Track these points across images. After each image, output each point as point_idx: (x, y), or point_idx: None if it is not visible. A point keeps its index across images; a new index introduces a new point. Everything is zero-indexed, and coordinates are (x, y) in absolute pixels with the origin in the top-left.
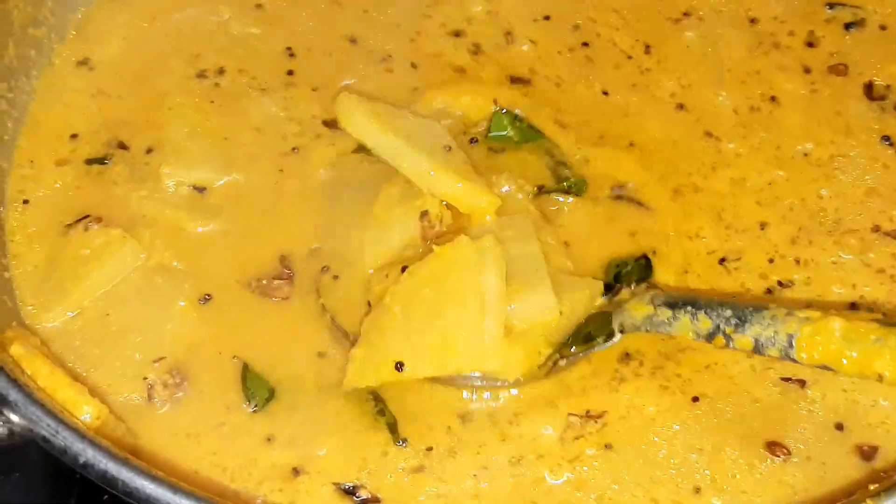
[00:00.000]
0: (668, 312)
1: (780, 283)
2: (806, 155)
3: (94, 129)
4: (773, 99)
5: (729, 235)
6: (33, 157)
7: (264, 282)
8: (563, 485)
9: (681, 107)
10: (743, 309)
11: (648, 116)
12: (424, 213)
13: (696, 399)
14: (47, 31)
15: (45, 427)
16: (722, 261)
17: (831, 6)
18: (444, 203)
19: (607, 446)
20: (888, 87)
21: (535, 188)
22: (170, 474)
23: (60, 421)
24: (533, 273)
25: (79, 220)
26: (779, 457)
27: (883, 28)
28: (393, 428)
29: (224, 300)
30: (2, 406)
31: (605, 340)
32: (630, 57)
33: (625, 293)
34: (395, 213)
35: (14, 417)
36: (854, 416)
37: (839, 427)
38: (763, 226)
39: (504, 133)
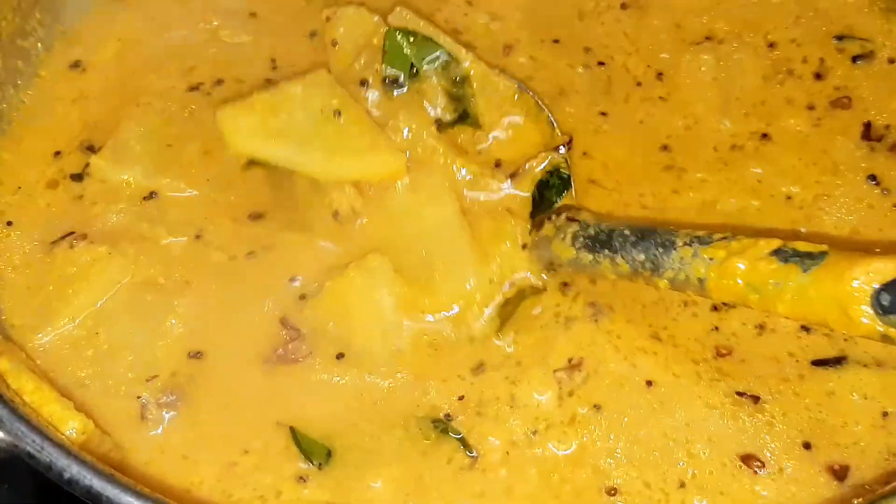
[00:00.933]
0: (589, 256)
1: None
2: (789, 198)
3: (72, 136)
4: (764, 136)
5: None
6: (17, 175)
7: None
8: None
9: (665, 148)
10: (654, 251)
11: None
12: (335, 213)
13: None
14: (35, 41)
15: (30, 443)
16: None
17: (840, 38)
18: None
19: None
20: (888, 126)
21: (434, 123)
22: (159, 492)
23: (45, 436)
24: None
25: (63, 238)
26: (753, 470)
27: (892, 62)
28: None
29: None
30: None
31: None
32: (639, 84)
33: (548, 227)
34: (311, 213)
35: None
36: (821, 436)
37: (807, 446)
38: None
39: (397, 49)
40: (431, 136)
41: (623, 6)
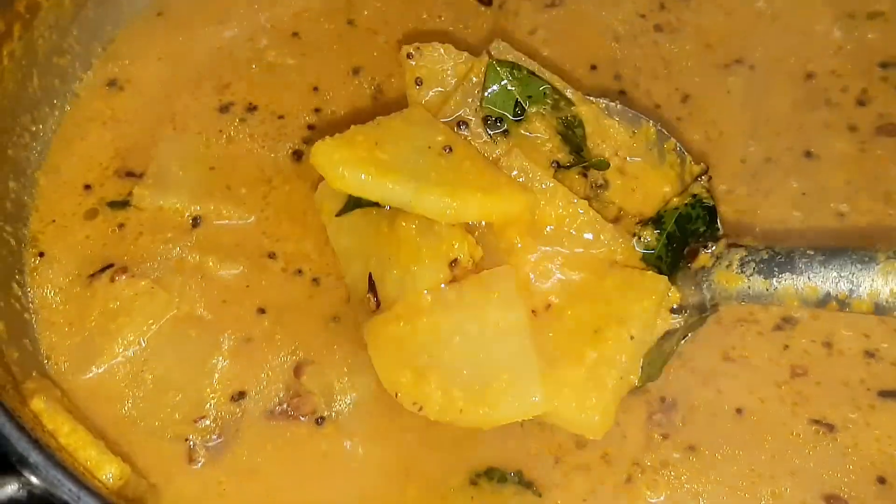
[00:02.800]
0: (764, 283)
1: None
2: (841, 215)
3: (108, 160)
4: (808, 154)
5: None
6: (53, 203)
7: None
8: None
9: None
10: (851, 269)
11: None
12: (455, 261)
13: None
14: (72, 59)
15: (67, 492)
16: None
17: (884, 66)
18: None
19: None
20: None
21: (552, 166)
22: None
23: (82, 485)
24: (515, 357)
25: (102, 270)
26: None
27: None
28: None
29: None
30: (22, 468)
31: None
32: (658, 106)
33: (704, 257)
34: (421, 256)
35: (34, 480)
36: (894, 472)
37: (881, 480)
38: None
39: (501, 85)
40: (548, 179)
41: (657, 28)
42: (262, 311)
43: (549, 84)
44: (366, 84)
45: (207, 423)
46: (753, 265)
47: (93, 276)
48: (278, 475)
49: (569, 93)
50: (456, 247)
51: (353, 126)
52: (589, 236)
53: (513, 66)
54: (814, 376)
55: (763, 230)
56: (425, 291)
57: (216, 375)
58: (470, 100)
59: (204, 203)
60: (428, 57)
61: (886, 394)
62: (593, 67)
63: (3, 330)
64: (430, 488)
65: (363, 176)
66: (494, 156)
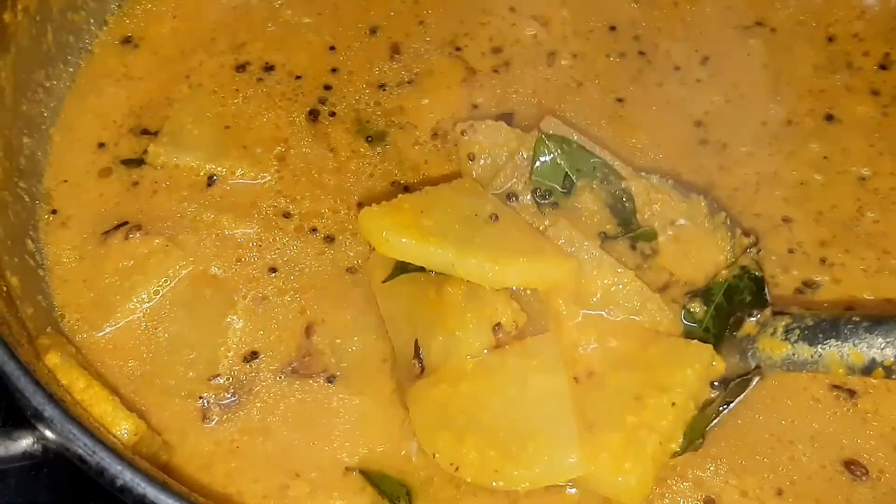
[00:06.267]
0: (810, 350)
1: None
2: (862, 179)
3: (122, 118)
4: (829, 117)
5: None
6: (66, 160)
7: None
8: None
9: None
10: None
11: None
12: (498, 325)
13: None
14: (86, 15)
15: (82, 446)
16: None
17: None
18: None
19: None
20: None
21: (600, 237)
22: (208, 497)
23: (97, 440)
24: (553, 420)
25: (117, 228)
26: (858, 477)
27: None
28: None
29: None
30: (37, 422)
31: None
32: (678, 68)
33: (749, 326)
34: (466, 320)
35: (49, 434)
36: None
37: None
38: (787, 220)
39: (550, 158)
40: (594, 248)
41: None
42: (273, 269)
43: (599, 158)
44: (383, 43)
45: (221, 381)
46: (798, 332)
47: (107, 233)
48: (290, 433)
49: (617, 165)
50: (499, 311)
51: (400, 195)
52: (635, 306)
53: (562, 141)
54: None
55: (784, 195)
56: (468, 356)
57: (230, 334)
58: (519, 173)
59: (219, 162)
60: (481, 133)
61: None
62: (612, 28)
63: (18, 285)
64: None
65: (405, 239)
66: (543, 226)
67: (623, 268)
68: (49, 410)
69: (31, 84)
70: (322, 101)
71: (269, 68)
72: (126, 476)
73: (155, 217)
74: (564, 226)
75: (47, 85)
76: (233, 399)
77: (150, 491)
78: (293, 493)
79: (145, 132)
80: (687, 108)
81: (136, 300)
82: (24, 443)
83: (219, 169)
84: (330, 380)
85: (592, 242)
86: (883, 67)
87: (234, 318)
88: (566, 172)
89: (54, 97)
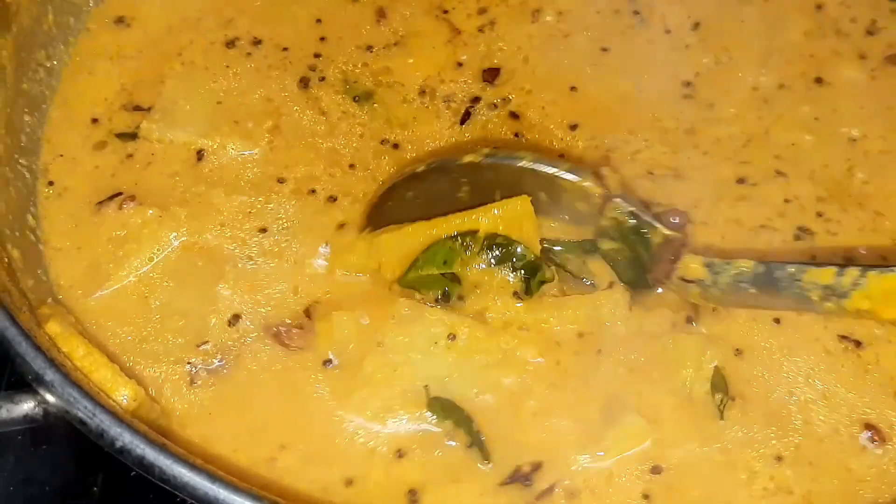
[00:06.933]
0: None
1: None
2: (853, 140)
3: (115, 94)
4: (818, 80)
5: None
6: (63, 134)
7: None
8: None
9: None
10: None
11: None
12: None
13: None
14: None
15: (83, 409)
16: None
17: None
18: None
19: None
20: None
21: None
22: (204, 457)
23: (98, 403)
24: None
25: (111, 198)
26: (875, 442)
27: None
28: None
29: None
30: (38, 386)
31: None
32: (668, 31)
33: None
34: None
35: (50, 398)
36: None
37: None
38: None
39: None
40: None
41: None
42: (263, 230)
43: None
44: (369, 8)
45: (208, 347)
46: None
47: (101, 203)
48: (275, 403)
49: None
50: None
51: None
52: None
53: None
54: None
55: (776, 152)
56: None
57: (220, 303)
58: None
59: (211, 137)
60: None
61: None
62: None
63: (19, 258)
64: None
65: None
66: None
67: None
68: (50, 374)
69: (32, 63)
70: (312, 69)
71: (257, 42)
72: (125, 438)
73: (149, 189)
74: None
75: (48, 65)
76: (221, 364)
77: (148, 452)
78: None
79: (138, 108)
80: (676, 69)
81: (128, 268)
82: (26, 406)
83: (210, 143)
84: (326, 364)
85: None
86: (870, 33)
87: (224, 286)
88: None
89: (55, 76)
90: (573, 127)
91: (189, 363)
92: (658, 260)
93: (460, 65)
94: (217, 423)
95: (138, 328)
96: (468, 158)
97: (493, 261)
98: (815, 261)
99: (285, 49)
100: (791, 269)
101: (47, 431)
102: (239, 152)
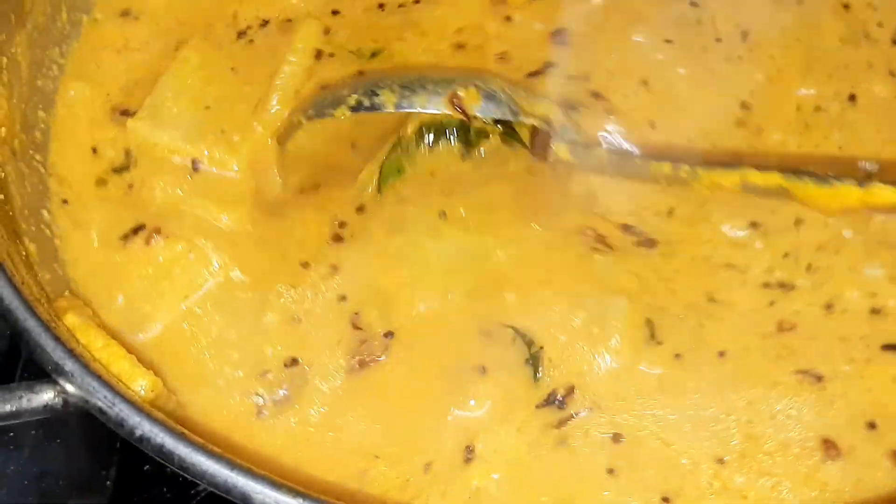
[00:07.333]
0: None
1: None
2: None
3: (115, 93)
4: (851, 98)
5: None
6: (67, 171)
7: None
8: None
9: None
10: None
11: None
12: None
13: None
14: None
15: (102, 398)
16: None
17: None
18: None
19: None
20: None
21: None
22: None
23: (117, 393)
24: None
25: (134, 232)
26: (824, 454)
27: None
28: None
29: None
30: (58, 376)
31: None
32: (719, 40)
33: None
34: None
35: (70, 388)
36: (885, 419)
37: (872, 426)
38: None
39: None
40: None
41: None
42: (306, 264)
43: None
44: None
45: (271, 376)
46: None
47: (125, 237)
48: (355, 419)
49: None
50: None
51: None
52: None
53: None
54: (804, 332)
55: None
56: None
57: (271, 330)
58: None
59: (197, 146)
60: None
61: (890, 346)
62: None
63: (35, 252)
64: None
65: None
66: None
67: None
68: (70, 364)
69: (46, 60)
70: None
71: (264, 24)
72: (145, 426)
73: (165, 215)
74: None
75: (61, 62)
76: (286, 394)
77: (168, 440)
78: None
79: (125, 113)
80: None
81: (166, 308)
82: (46, 396)
83: (198, 154)
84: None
85: None
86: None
87: (271, 313)
88: None
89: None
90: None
91: (257, 394)
92: (535, 146)
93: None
94: (304, 448)
95: (193, 367)
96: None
97: (430, 144)
98: None
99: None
100: (637, 160)
101: (61, 425)
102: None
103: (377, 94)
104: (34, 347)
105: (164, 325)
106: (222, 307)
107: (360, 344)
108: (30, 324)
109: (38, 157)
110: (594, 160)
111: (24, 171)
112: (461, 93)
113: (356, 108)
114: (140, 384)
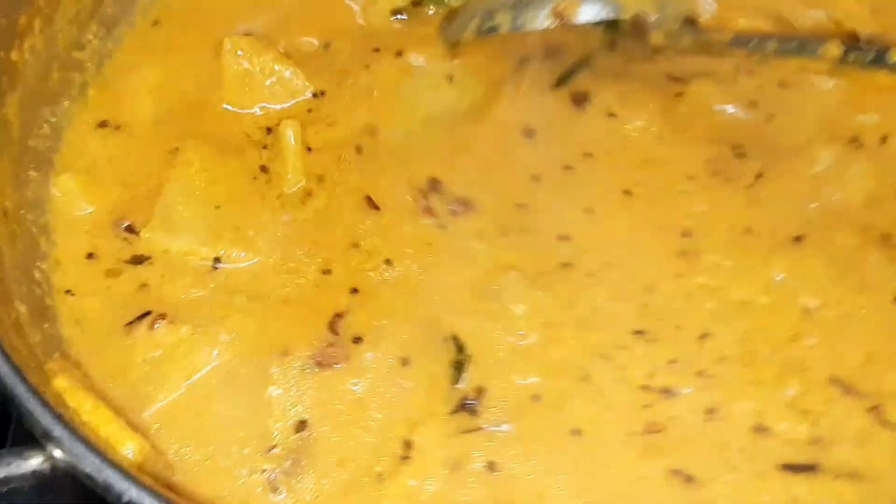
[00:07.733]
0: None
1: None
2: (807, 311)
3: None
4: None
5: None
6: (70, 268)
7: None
8: None
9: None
10: None
11: None
12: None
13: None
14: (90, 54)
15: (90, 464)
16: None
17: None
18: None
19: None
20: None
21: None
22: None
23: (104, 458)
24: None
25: (140, 318)
26: None
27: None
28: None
29: None
30: (46, 441)
31: None
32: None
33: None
34: None
35: (58, 453)
36: None
37: None
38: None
39: None
40: None
41: None
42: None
43: None
44: None
45: (278, 451)
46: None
47: (130, 324)
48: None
49: None
50: None
51: None
52: None
53: None
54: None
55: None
56: None
57: (275, 405)
58: None
59: (215, 246)
60: None
61: (789, 467)
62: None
63: (26, 313)
64: None
65: None
66: None
67: None
68: (58, 431)
69: (38, 120)
70: None
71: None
72: (132, 492)
73: (173, 304)
74: None
75: (52, 120)
76: (293, 463)
77: None
78: None
79: (129, 229)
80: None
81: (169, 389)
82: (34, 461)
83: (217, 253)
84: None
85: None
86: None
87: (275, 387)
88: None
89: (59, 132)
90: None
91: (264, 470)
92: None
93: None
94: None
95: (199, 446)
96: None
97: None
98: None
99: None
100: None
101: (53, 482)
102: (243, 263)
103: (493, 18)
104: (23, 413)
105: (163, 403)
106: (226, 384)
107: None
108: (19, 390)
109: (29, 216)
110: (685, 43)
111: (17, 230)
112: (563, 3)
113: (479, 30)
114: (128, 447)
